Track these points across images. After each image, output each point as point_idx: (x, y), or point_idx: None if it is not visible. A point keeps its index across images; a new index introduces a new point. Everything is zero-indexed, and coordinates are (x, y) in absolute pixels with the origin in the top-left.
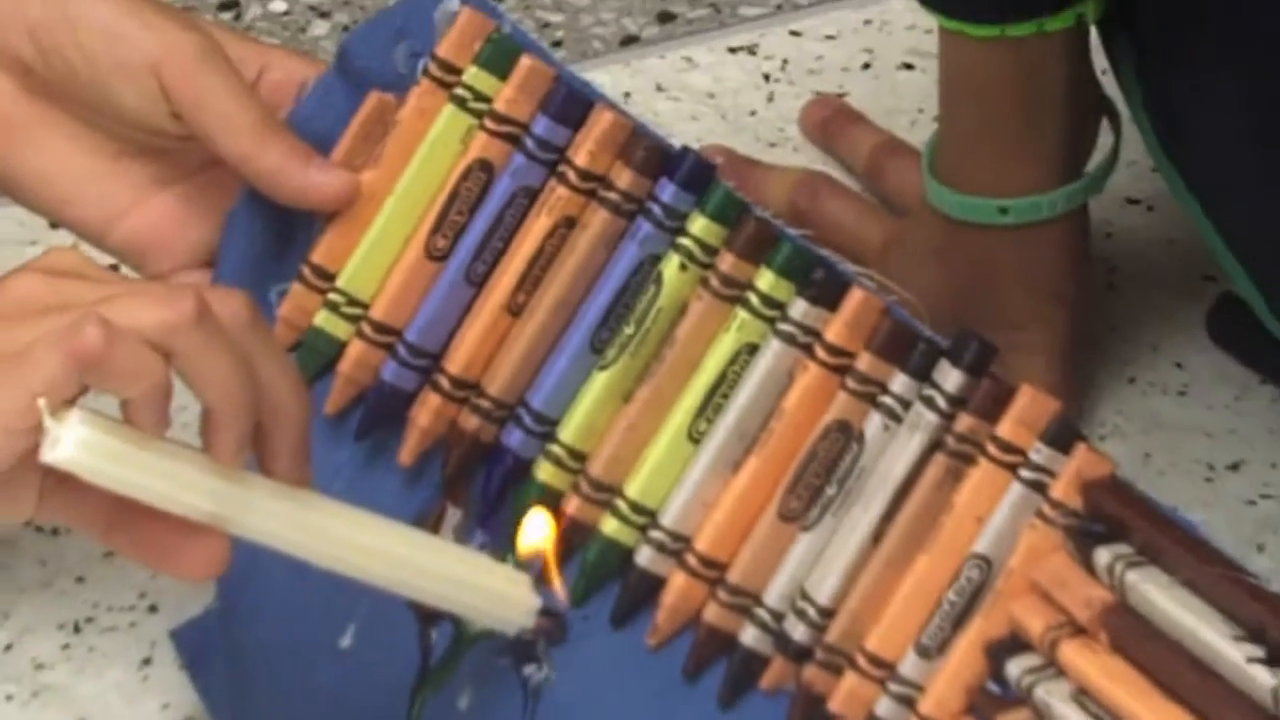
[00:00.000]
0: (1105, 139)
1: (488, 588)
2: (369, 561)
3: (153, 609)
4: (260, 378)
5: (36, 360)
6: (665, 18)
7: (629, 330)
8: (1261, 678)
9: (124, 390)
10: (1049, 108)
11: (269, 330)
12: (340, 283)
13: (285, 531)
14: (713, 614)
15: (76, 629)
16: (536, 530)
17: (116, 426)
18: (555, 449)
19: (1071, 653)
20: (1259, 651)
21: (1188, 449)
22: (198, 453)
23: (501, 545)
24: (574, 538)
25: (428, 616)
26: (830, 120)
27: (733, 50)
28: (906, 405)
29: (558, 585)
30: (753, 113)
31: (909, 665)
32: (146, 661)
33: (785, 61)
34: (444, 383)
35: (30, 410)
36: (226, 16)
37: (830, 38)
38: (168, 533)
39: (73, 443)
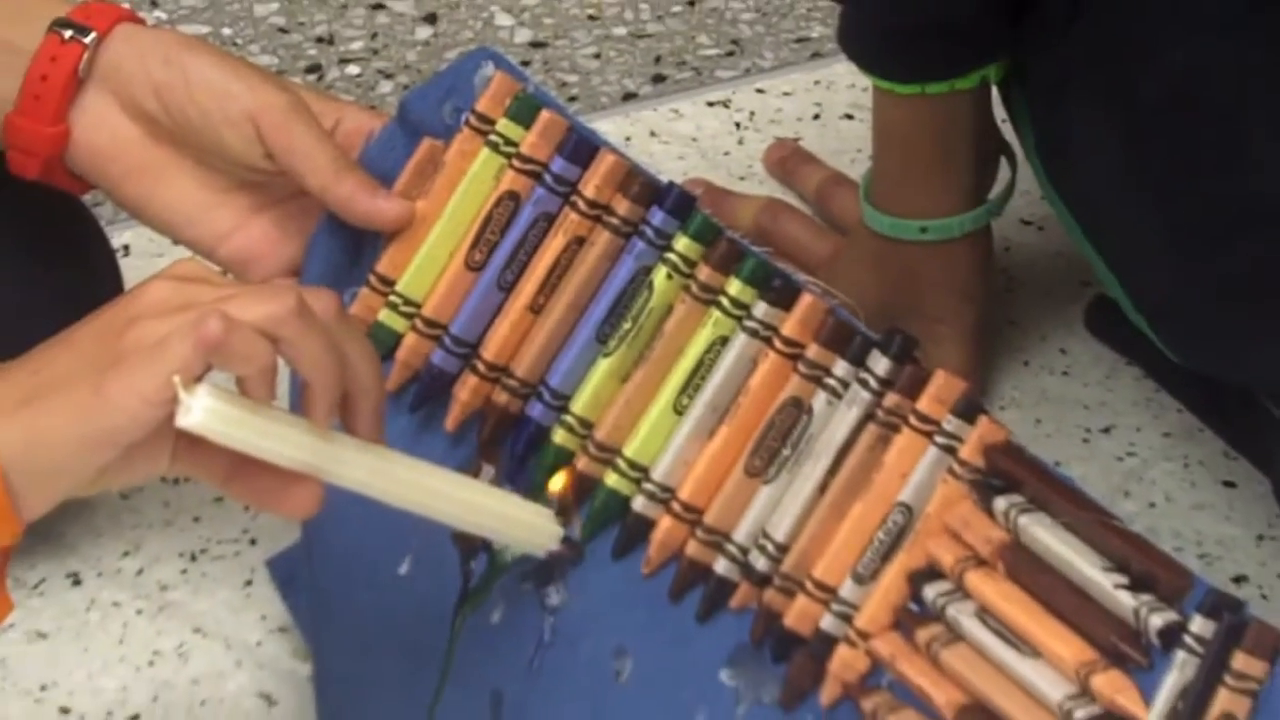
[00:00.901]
0: (1004, 173)
1: (523, 520)
2: (430, 500)
3: (253, 542)
4: (346, 358)
5: (171, 348)
6: (658, 79)
7: (627, 326)
8: (1125, 600)
9: (240, 369)
10: (959, 149)
11: (353, 321)
12: (399, 287)
13: (365, 478)
14: (692, 549)
15: (193, 558)
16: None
17: (234, 398)
18: (568, 419)
19: (975, 580)
20: (1123, 579)
21: (1069, 417)
22: (298, 417)
23: (526, 495)
24: (582, 489)
25: (468, 550)
26: (787, 159)
27: (710, 104)
28: (845, 385)
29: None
30: (726, 153)
31: (847, 589)
32: (248, 583)
33: (752, 113)
34: (480, 366)
35: (167, 387)
36: (311, 78)
37: (787, 94)
38: (274, 481)
39: (201, 411)
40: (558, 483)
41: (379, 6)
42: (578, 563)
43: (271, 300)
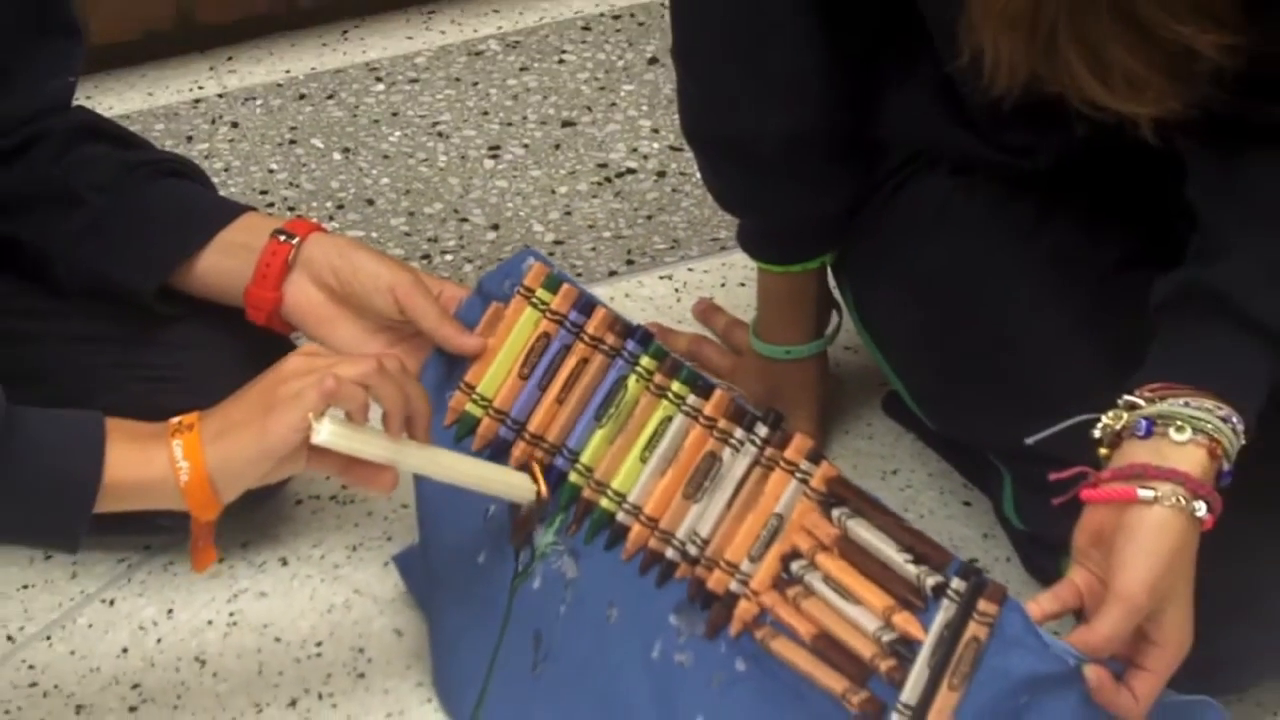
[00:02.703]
0: (834, 319)
1: (516, 482)
2: (460, 474)
3: (389, 539)
4: (409, 395)
5: (305, 396)
6: (629, 263)
7: (612, 410)
8: (911, 569)
9: (346, 406)
10: (808, 304)
11: (411, 373)
12: (478, 390)
13: (420, 465)
14: (652, 543)
15: (353, 548)
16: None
17: (345, 422)
18: (578, 466)
19: (821, 559)
20: (910, 557)
21: (872, 464)
22: (381, 431)
23: (554, 509)
24: (586, 509)
25: (519, 546)
26: (705, 310)
27: (660, 278)
28: (741, 443)
29: (543, 489)
30: (670, 307)
31: (745, 566)
32: (385, 564)
33: (685, 283)
34: (527, 436)
35: (305, 421)
36: (424, 263)
37: (706, 271)
38: (368, 470)
39: (326, 433)
40: (542, 486)
41: (464, 220)
42: (544, 517)
43: (362, 363)
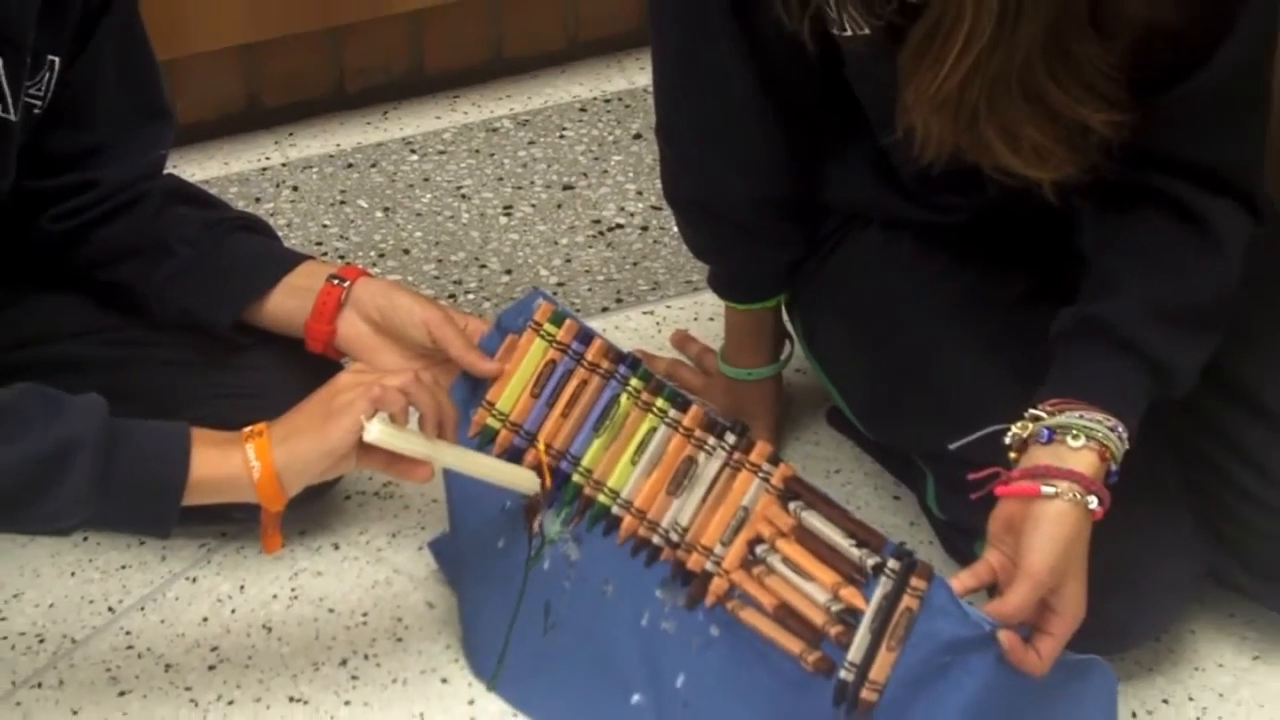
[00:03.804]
0: (788, 347)
1: (524, 476)
2: (478, 469)
3: (422, 528)
4: (440, 402)
5: (357, 405)
6: (619, 301)
7: (608, 423)
8: (854, 551)
9: (391, 409)
10: (766, 335)
11: (442, 384)
12: (498, 406)
13: (451, 461)
14: (641, 531)
15: (394, 535)
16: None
17: (390, 424)
18: (580, 468)
19: (780, 543)
20: (853, 541)
21: (819, 466)
22: (419, 433)
23: (559, 504)
24: (587, 504)
25: (531, 534)
26: (682, 340)
27: (644, 314)
28: (714, 449)
29: (548, 482)
30: (652, 337)
31: (718, 549)
32: (420, 548)
33: (664, 317)
34: (539, 445)
35: (358, 425)
36: (451, 300)
37: (682, 308)
38: (408, 464)
39: (375, 432)
40: (547, 478)
41: (483, 266)
42: (552, 505)
43: (402, 375)
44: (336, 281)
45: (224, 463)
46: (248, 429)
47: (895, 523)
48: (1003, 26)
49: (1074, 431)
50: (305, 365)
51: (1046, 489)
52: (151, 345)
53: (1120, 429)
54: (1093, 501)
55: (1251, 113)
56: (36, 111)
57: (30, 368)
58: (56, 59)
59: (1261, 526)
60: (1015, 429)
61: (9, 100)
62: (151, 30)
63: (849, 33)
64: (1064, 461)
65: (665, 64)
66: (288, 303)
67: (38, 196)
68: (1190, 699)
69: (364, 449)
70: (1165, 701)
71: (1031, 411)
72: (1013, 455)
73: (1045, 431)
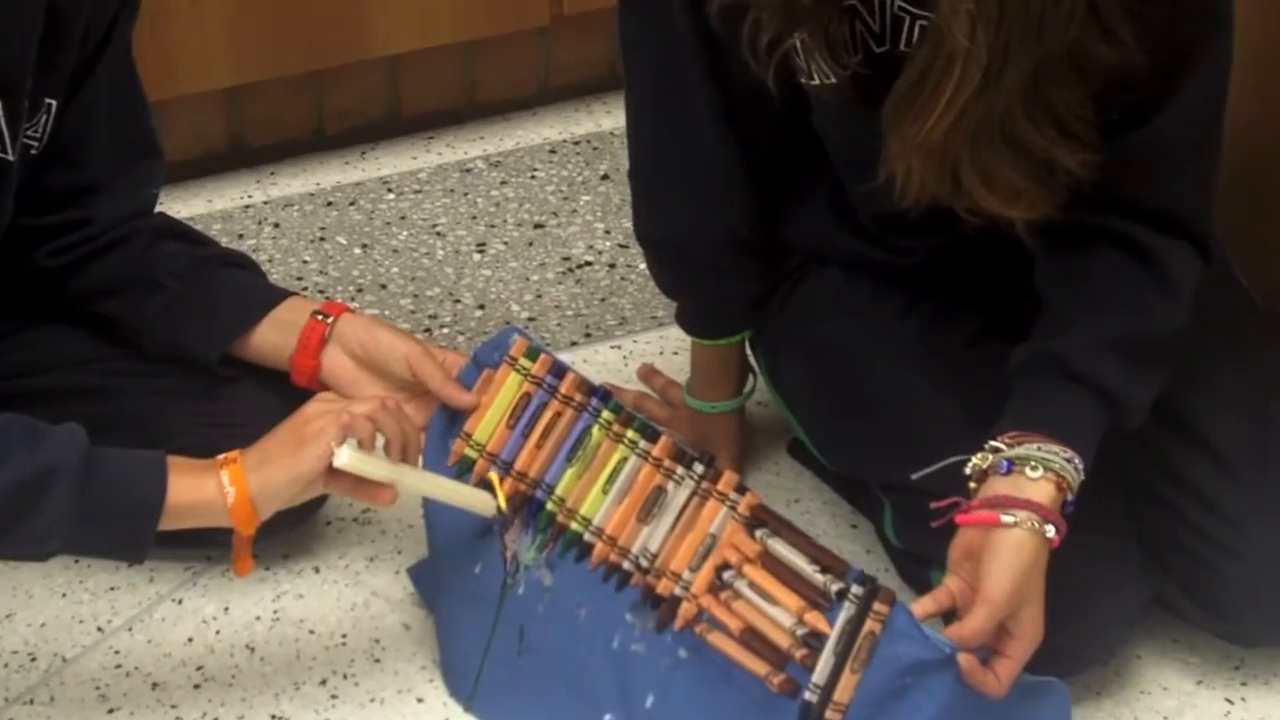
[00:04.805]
0: (750, 381)
1: (480, 499)
2: (440, 493)
3: (399, 552)
4: (404, 429)
5: (327, 431)
6: (588, 335)
7: (580, 453)
8: (819, 577)
9: (359, 436)
10: (730, 369)
11: (406, 412)
12: (475, 437)
13: (413, 484)
14: (612, 557)
15: (371, 559)
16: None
17: (358, 450)
18: (555, 497)
19: (747, 569)
20: (817, 568)
21: (779, 495)
22: (385, 457)
23: (533, 531)
24: (560, 530)
25: (506, 561)
26: (649, 374)
27: (612, 348)
28: (682, 479)
29: (503, 505)
30: (619, 371)
31: (686, 574)
32: (397, 572)
33: (631, 351)
34: (514, 473)
35: (328, 451)
36: (428, 334)
37: (649, 343)
38: (374, 487)
39: (345, 457)
40: (501, 501)
41: (457, 301)
42: (512, 522)
43: (369, 403)
44: (320, 317)
45: (199, 489)
46: (222, 456)
47: (853, 550)
48: (989, 76)
49: (1032, 463)
50: (289, 397)
51: (1006, 518)
52: (140, 376)
53: (1076, 460)
54: (1050, 530)
55: (1207, 157)
56: (34, 152)
57: (23, 397)
58: (53, 102)
59: (1208, 558)
60: (975, 460)
61: (7, 142)
62: (142, 72)
63: (816, 81)
64: (1022, 491)
65: (638, 111)
66: (273, 337)
67: (33, 233)
68: None
69: (331, 473)
70: None
71: (991, 444)
72: (972, 485)
73: (1004, 463)
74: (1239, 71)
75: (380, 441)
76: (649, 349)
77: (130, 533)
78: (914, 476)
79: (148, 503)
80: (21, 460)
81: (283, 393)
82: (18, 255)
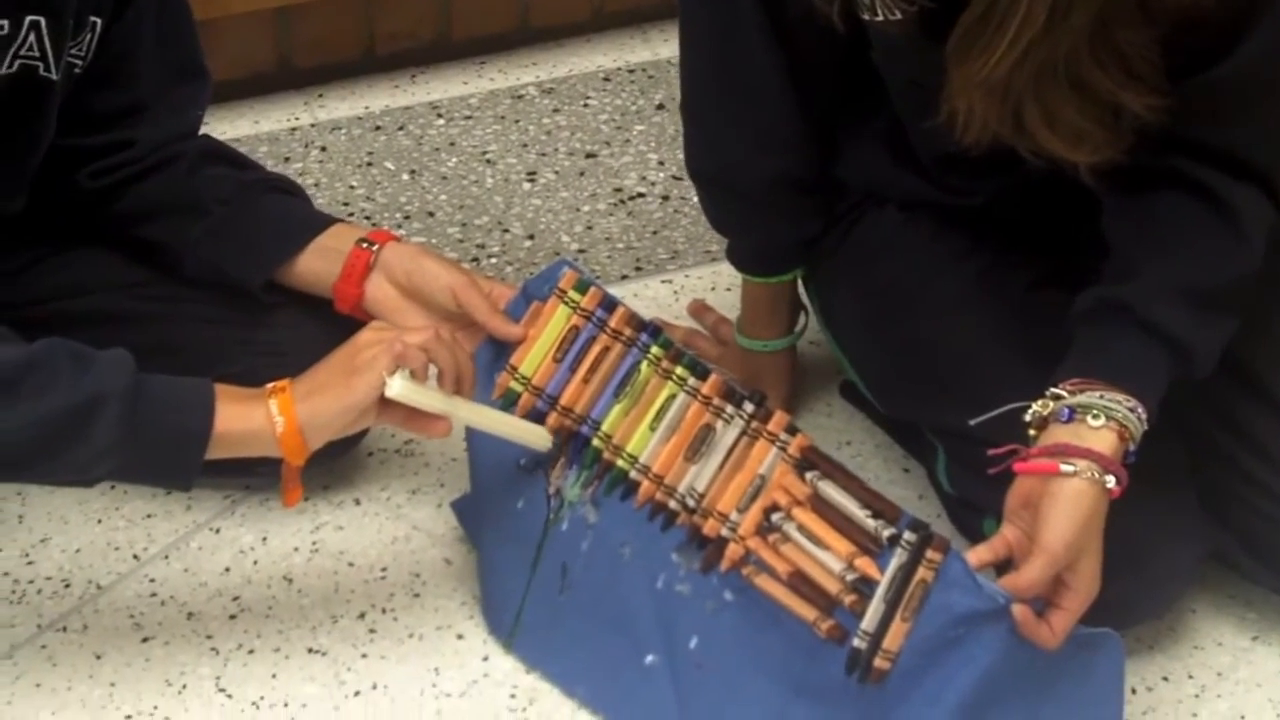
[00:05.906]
0: (802, 319)
1: (536, 432)
2: (496, 426)
3: (442, 485)
4: (458, 359)
5: (380, 360)
6: (639, 269)
7: (628, 389)
8: (870, 522)
9: (412, 365)
10: (782, 307)
11: (462, 342)
12: (520, 370)
13: (466, 416)
14: (659, 496)
15: (413, 492)
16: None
17: (410, 379)
18: (600, 433)
19: (796, 512)
20: (869, 512)
21: (831, 438)
22: (438, 389)
23: (579, 468)
24: (606, 468)
25: (550, 496)
26: (699, 309)
27: (663, 282)
28: (732, 417)
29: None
30: (670, 306)
31: (734, 515)
32: (439, 506)
33: (682, 286)
34: (559, 408)
35: (380, 380)
36: (475, 264)
37: (700, 278)
38: (426, 419)
39: (397, 387)
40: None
41: (506, 231)
42: (557, 458)
43: (423, 332)
44: (365, 245)
45: (247, 417)
46: (271, 385)
47: (904, 495)
48: (1054, 13)
49: (1094, 411)
50: (332, 325)
51: (1066, 467)
52: (181, 301)
53: (1140, 410)
54: (1110, 480)
55: (1278, 103)
56: (77, 71)
57: (61, 320)
58: (98, 20)
59: (1268, 513)
60: (1036, 407)
61: (50, 60)
62: None
63: (880, 17)
64: (1083, 440)
65: (692, 44)
66: (317, 264)
67: (76, 153)
68: (1190, 676)
69: (383, 404)
70: (1165, 679)
71: (1052, 390)
72: (1032, 433)
73: (1065, 410)
74: None
75: (433, 372)
76: (701, 284)
77: (178, 461)
78: (972, 422)
79: (196, 430)
80: (69, 386)
81: (326, 320)
82: (60, 176)
